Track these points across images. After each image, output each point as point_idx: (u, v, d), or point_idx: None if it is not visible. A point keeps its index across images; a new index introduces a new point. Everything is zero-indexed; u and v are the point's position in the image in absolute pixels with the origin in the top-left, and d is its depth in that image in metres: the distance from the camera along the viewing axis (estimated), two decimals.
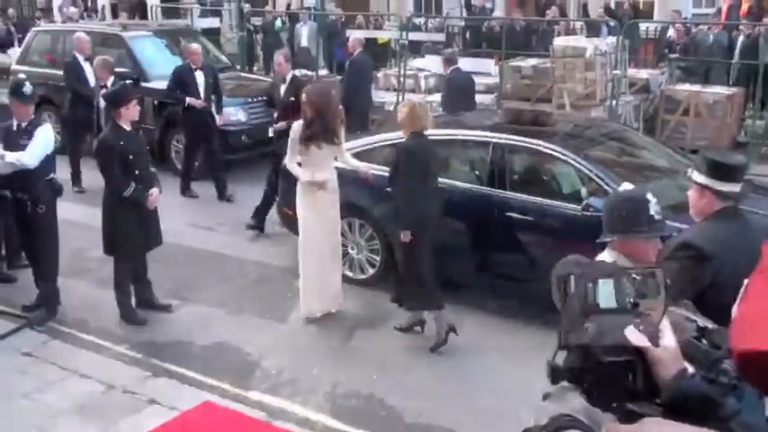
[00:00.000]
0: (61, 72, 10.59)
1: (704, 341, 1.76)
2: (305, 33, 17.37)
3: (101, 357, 5.74)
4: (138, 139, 6.33)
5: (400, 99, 11.92)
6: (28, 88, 6.14)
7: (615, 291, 1.44)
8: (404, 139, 5.92)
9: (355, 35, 12.37)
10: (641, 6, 19.47)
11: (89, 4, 26.06)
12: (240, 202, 9.36)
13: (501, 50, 12.83)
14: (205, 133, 9.70)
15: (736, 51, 13.39)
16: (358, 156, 6.65)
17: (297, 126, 6.16)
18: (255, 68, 17.34)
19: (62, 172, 6.61)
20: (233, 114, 10.43)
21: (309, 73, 13.71)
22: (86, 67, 9.97)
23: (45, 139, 6.16)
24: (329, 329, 6.22)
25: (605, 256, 3.05)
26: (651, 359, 1.38)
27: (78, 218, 7.87)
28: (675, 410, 1.43)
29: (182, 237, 7.94)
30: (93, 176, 7.27)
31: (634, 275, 1.46)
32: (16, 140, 6.04)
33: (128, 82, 8.56)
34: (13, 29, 19.40)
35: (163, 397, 5.17)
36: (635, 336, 1.38)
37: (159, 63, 11.28)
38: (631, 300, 1.44)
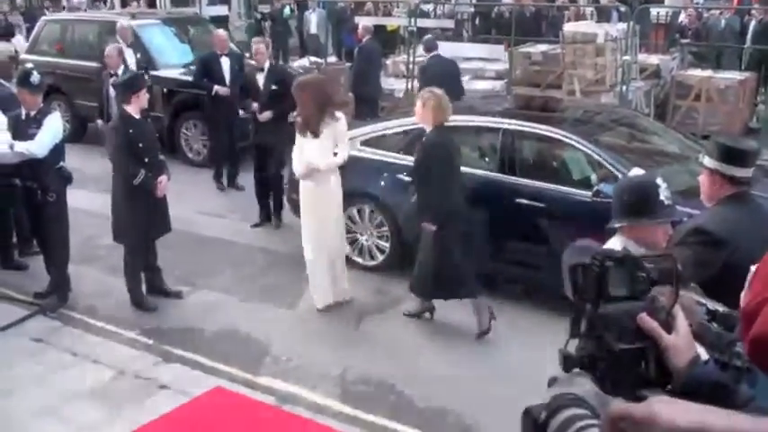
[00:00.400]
0: (70, 61, 10.57)
1: (715, 324, 1.74)
2: (314, 20, 17.34)
3: (112, 343, 5.78)
4: (148, 126, 6.34)
5: (409, 86, 11.89)
6: (36, 77, 6.13)
7: (626, 278, 1.42)
8: (427, 132, 5.81)
9: (364, 22, 12.29)
10: None
11: None
12: (250, 189, 9.35)
13: (510, 36, 12.77)
14: (231, 121, 9.43)
15: (749, 36, 13.28)
16: (369, 142, 6.61)
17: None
18: None
19: (71, 160, 6.62)
20: None
21: (319, 60, 13.68)
22: (129, 53, 9.98)
23: (54, 128, 6.17)
24: (339, 315, 6.24)
25: (615, 241, 3.04)
26: (664, 346, 1.37)
27: (89, 206, 7.90)
28: (687, 397, 1.42)
29: (192, 224, 7.97)
30: (102, 164, 7.29)
31: (645, 262, 1.45)
32: (25, 130, 6.05)
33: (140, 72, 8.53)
34: (16, 19, 19.39)
35: (173, 382, 5.21)
36: (647, 323, 1.37)
37: (168, 51, 11.27)
38: (643, 287, 1.43)
